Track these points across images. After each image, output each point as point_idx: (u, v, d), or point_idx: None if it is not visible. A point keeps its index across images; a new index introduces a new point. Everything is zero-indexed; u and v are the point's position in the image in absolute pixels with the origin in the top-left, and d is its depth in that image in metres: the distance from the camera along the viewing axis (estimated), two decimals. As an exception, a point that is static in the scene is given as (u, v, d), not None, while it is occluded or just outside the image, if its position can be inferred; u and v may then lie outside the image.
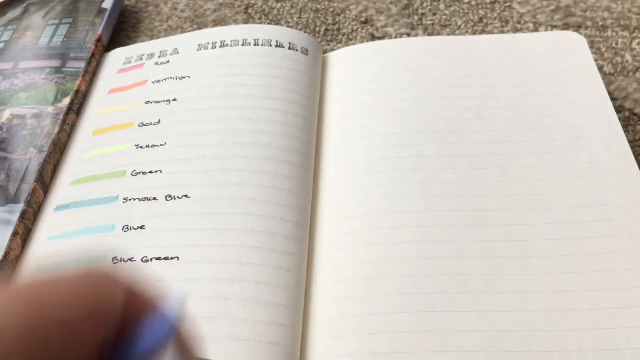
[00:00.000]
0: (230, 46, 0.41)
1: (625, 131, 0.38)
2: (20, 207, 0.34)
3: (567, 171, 0.33)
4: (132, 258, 0.31)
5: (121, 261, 0.31)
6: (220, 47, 0.41)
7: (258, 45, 0.41)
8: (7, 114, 0.40)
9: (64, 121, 0.39)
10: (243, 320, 0.28)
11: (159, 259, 0.31)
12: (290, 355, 0.28)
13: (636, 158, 0.37)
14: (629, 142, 0.38)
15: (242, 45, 0.40)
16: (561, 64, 0.38)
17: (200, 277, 0.30)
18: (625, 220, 0.30)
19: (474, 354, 0.27)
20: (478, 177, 0.33)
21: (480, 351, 0.27)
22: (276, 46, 0.40)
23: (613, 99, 0.40)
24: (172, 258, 0.31)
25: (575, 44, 0.39)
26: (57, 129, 0.38)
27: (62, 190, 0.36)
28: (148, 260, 0.31)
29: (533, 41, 0.40)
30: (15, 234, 0.33)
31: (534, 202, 0.32)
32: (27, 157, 0.37)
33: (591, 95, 0.36)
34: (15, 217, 0.34)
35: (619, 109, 0.39)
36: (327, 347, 0.28)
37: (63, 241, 0.33)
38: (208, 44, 0.41)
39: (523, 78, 0.38)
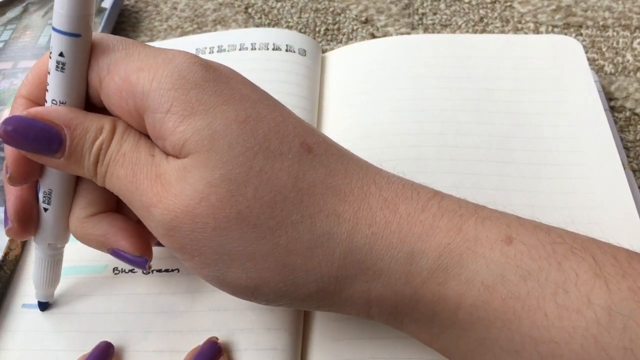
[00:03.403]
0: (228, 51, 0.41)
1: (625, 131, 0.38)
2: (19, 207, 0.34)
3: (561, 185, 0.33)
4: (133, 270, 0.31)
5: (122, 272, 0.31)
6: (218, 51, 0.41)
7: (255, 49, 0.40)
8: (6, 114, 0.40)
9: (63, 121, 0.39)
10: (240, 330, 0.28)
11: (159, 271, 0.31)
12: (290, 359, 0.28)
13: (636, 158, 0.37)
14: (630, 141, 0.38)
15: (240, 49, 0.40)
16: (557, 69, 0.38)
17: (199, 289, 0.30)
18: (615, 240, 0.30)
19: None
20: (477, 184, 0.33)
21: None
22: (273, 49, 0.40)
23: (614, 99, 0.40)
24: (172, 270, 0.31)
25: (571, 49, 0.39)
26: (56, 129, 0.38)
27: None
28: (149, 273, 0.31)
29: (530, 44, 0.40)
30: (14, 234, 0.33)
31: (530, 215, 0.32)
32: (27, 157, 0.37)
33: (586, 106, 0.36)
34: (14, 218, 0.34)
35: (619, 109, 0.39)
36: (328, 350, 0.28)
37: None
38: (205, 48, 0.41)
39: (520, 83, 0.38)
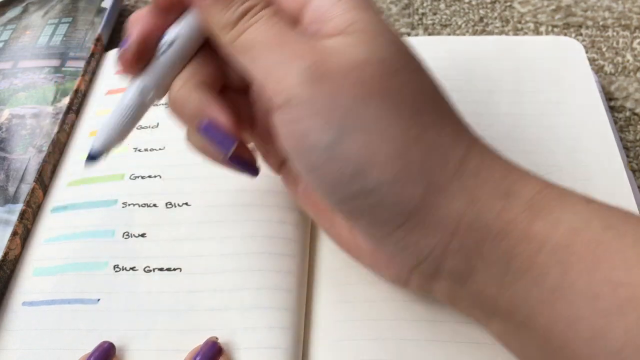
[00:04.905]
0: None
1: (625, 131, 0.38)
2: (19, 207, 0.34)
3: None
4: (134, 267, 0.31)
5: (123, 270, 0.31)
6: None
7: None
8: (6, 114, 0.40)
9: (63, 121, 0.39)
10: (244, 329, 0.28)
11: (161, 269, 0.31)
12: (292, 358, 0.28)
13: (636, 158, 0.37)
14: (630, 141, 0.38)
15: None
16: (558, 71, 0.38)
17: (202, 289, 0.30)
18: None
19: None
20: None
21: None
22: None
23: (614, 99, 0.40)
24: (174, 269, 0.31)
25: (572, 50, 0.39)
26: (56, 129, 0.38)
27: (59, 191, 0.36)
28: (150, 271, 0.31)
29: (530, 45, 0.40)
30: (14, 233, 0.33)
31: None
32: (26, 157, 0.37)
33: (587, 107, 0.36)
34: (14, 217, 0.34)
35: (619, 109, 0.39)
36: (330, 350, 0.28)
37: (61, 244, 0.33)
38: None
39: (520, 84, 0.38)
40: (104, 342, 0.28)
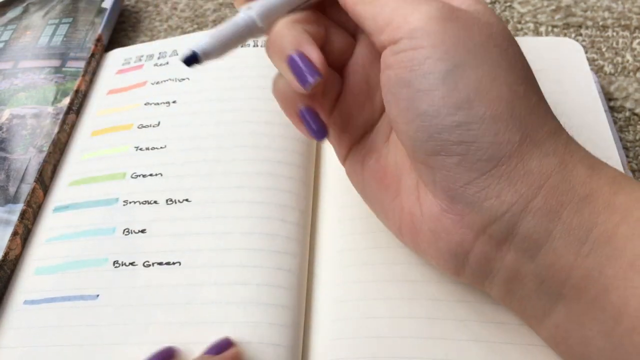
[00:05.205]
0: (229, 48, 0.41)
1: (625, 131, 0.38)
2: (19, 207, 0.34)
3: None
4: (134, 262, 0.31)
5: (122, 265, 0.31)
6: (220, 49, 0.41)
7: (257, 46, 0.41)
8: (6, 114, 0.40)
9: (63, 121, 0.39)
10: (244, 323, 0.28)
11: (160, 264, 0.31)
12: (292, 356, 0.28)
13: (636, 158, 0.37)
14: (629, 141, 0.38)
15: (242, 46, 0.40)
16: (558, 71, 0.38)
17: (202, 282, 0.30)
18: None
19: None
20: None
21: None
22: None
23: (613, 99, 0.40)
24: (173, 263, 0.31)
25: (571, 50, 0.39)
26: (56, 129, 0.38)
27: (61, 191, 0.36)
28: (150, 265, 0.31)
29: (530, 45, 0.40)
30: (14, 233, 0.33)
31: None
32: (27, 157, 0.37)
33: (587, 107, 0.36)
34: (14, 217, 0.34)
35: (619, 109, 0.39)
36: (329, 348, 0.28)
37: (62, 243, 0.33)
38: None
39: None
40: (166, 347, 0.28)
